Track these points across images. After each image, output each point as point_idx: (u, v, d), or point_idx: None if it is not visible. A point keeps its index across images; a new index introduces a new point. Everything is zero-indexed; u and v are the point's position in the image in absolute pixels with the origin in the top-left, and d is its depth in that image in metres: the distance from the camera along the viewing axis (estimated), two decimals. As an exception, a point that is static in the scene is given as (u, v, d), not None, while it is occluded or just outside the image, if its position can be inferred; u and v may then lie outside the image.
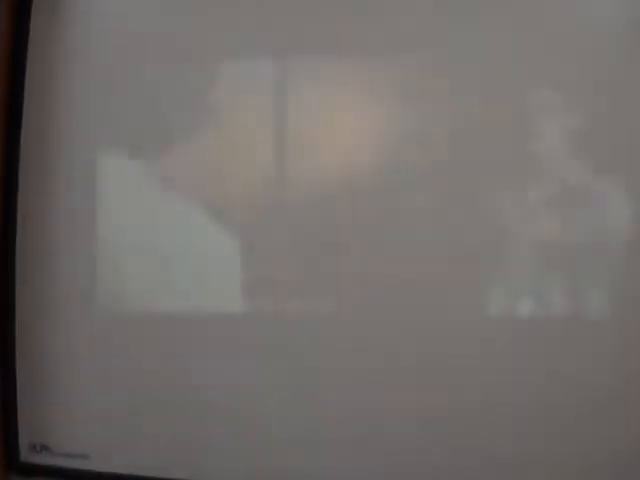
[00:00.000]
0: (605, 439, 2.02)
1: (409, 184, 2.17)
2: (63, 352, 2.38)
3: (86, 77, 2.39)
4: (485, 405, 2.10)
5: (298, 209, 2.25)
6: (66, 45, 2.40)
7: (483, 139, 2.13)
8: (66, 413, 2.37)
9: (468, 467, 2.11)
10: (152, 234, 2.35)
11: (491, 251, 2.14)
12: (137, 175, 2.36)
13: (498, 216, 2.13)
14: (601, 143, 2.06)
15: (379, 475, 2.17)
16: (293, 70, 2.29)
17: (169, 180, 2.34)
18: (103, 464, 2.34)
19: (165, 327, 2.31)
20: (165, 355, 2.30)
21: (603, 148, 2.06)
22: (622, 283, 2.05)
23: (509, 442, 2.09)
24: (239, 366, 2.26)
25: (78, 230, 2.39)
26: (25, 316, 2.40)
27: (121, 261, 2.35)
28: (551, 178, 2.09)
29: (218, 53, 2.33)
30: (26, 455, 2.41)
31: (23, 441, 2.41)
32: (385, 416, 2.16)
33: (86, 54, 2.40)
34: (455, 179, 2.14)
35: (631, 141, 2.03)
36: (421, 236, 2.17)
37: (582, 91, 2.07)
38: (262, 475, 2.23)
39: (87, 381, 2.36)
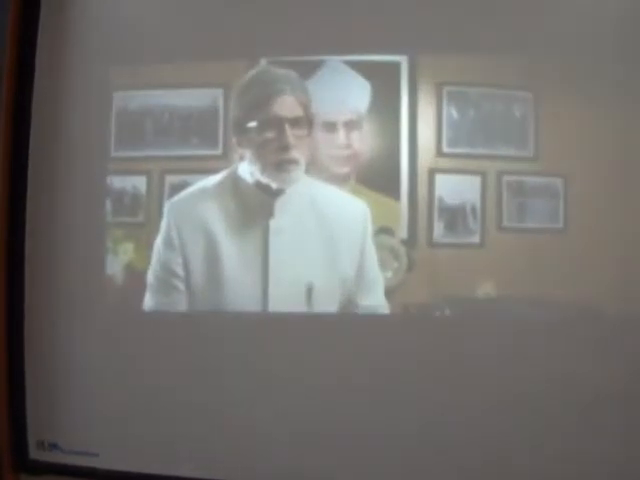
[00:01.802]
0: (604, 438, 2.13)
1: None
2: (72, 352, 2.42)
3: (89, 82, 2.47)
4: (484, 406, 2.19)
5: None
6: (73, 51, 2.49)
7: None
8: (75, 411, 2.42)
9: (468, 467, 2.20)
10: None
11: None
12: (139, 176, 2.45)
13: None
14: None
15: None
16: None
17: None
18: (112, 462, 2.39)
19: (174, 328, 2.37)
20: (174, 355, 2.36)
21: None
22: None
23: (508, 442, 2.18)
24: (248, 366, 2.32)
25: (84, 233, 2.45)
26: (34, 315, 2.44)
27: (129, 263, 2.43)
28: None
29: (220, 52, 2.42)
30: (35, 453, 2.45)
31: (32, 439, 2.45)
32: (388, 416, 2.24)
33: (91, 58, 2.48)
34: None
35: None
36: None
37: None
38: (271, 472, 2.30)
39: (96, 380, 2.40)
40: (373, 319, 2.31)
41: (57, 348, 2.43)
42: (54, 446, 2.43)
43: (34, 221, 2.46)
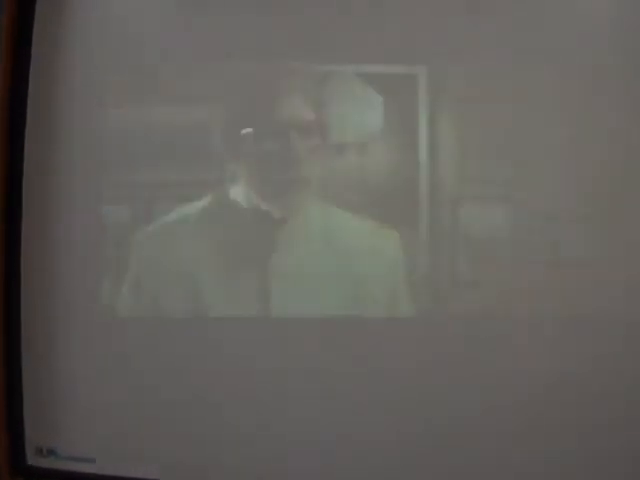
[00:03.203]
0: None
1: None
2: (69, 357, 2.36)
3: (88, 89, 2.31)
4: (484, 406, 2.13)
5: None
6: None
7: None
8: (72, 417, 2.37)
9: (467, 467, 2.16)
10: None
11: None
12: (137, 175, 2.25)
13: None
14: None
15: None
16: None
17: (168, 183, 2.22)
18: (109, 467, 2.36)
19: (170, 331, 2.28)
20: (170, 360, 2.29)
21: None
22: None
23: (508, 443, 2.12)
24: (243, 369, 2.25)
25: (80, 234, 2.33)
26: (31, 320, 2.37)
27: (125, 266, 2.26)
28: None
29: (220, 55, 2.19)
30: (32, 459, 2.41)
31: (29, 445, 2.41)
32: (389, 416, 2.18)
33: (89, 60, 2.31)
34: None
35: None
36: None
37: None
38: (263, 478, 2.27)
39: (93, 385, 2.35)
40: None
41: (54, 354, 2.37)
42: (52, 452, 2.39)
43: (29, 222, 2.36)
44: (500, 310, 2.08)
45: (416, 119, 2.04)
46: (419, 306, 2.08)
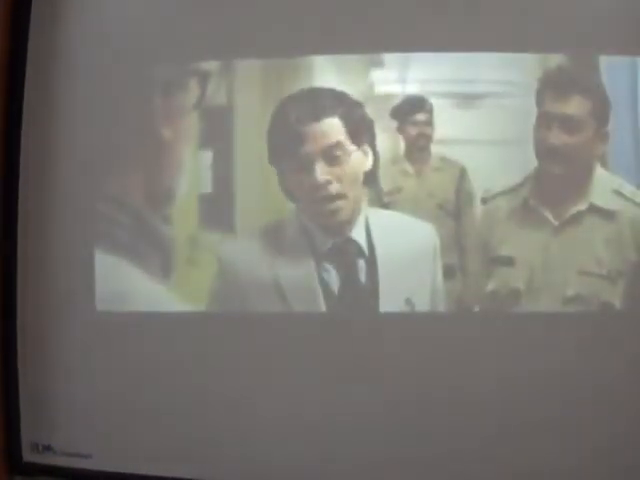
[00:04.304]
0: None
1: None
2: (65, 353, 2.37)
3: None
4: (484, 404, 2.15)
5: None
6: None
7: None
8: (68, 413, 2.38)
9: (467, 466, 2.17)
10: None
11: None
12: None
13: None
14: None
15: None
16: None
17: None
18: (105, 463, 2.37)
19: (166, 329, 2.31)
20: (166, 356, 2.31)
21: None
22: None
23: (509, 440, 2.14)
24: (239, 367, 2.27)
25: (77, 233, 2.36)
26: (27, 317, 2.39)
27: (121, 264, 2.32)
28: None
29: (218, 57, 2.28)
30: (29, 455, 2.42)
31: (26, 441, 2.42)
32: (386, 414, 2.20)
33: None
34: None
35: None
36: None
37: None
38: (262, 474, 2.28)
39: (89, 381, 2.36)
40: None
41: (51, 351, 2.38)
42: (48, 448, 2.40)
43: (26, 220, 2.39)
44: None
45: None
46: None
